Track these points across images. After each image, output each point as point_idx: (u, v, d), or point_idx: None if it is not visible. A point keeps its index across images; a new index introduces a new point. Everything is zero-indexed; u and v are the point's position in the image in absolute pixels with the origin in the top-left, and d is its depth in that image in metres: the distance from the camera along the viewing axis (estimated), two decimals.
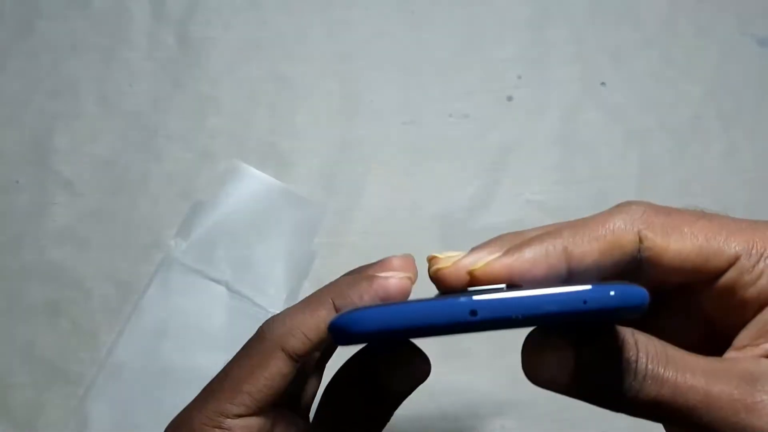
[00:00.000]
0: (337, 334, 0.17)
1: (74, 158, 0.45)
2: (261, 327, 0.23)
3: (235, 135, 0.45)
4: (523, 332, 0.20)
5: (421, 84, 0.47)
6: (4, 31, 0.47)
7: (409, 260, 0.24)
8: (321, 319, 0.22)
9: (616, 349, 0.18)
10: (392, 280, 0.22)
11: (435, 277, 0.21)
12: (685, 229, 0.20)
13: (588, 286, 0.16)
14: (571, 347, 0.19)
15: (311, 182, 0.45)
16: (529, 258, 0.20)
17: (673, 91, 0.47)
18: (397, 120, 0.46)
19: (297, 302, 0.23)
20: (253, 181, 0.44)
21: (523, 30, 0.48)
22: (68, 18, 0.47)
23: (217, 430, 0.22)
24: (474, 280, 0.20)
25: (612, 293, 0.16)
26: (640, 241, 0.20)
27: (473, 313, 0.16)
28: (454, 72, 0.47)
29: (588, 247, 0.20)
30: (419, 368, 0.21)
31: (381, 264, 0.24)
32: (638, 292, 0.16)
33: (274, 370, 0.22)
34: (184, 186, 0.44)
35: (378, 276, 0.23)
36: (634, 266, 0.21)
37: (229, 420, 0.22)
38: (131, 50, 0.47)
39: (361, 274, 0.24)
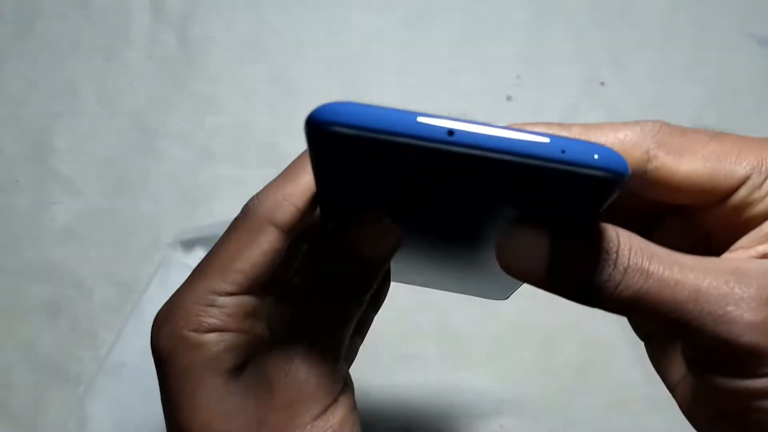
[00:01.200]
0: (313, 126, 0.16)
1: (74, 158, 0.45)
2: (246, 204, 0.22)
3: (235, 135, 0.45)
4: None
5: (420, 83, 0.47)
6: (4, 31, 0.47)
7: None
8: (306, 185, 0.21)
9: (596, 240, 0.18)
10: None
11: None
12: (698, 150, 0.20)
13: (571, 138, 0.15)
14: (548, 235, 0.18)
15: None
16: None
17: (673, 91, 0.47)
18: None
19: (277, 175, 0.23)
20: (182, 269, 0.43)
21: (522, 29, 0.48)
22: (68, 17, 0.47)
23: (209, 308, 0.21)
24: None
25: (595, 155, 0.15)
26: (649, 160, 0.20)
27: (450, 133, 0.15)
28: (453, 71, 0.47)
29: None
30: (390, 231, 0.20)
31: None
32: (620, 160, 0.15)
33: (266, 246, 0.21)
34: (184, 185, 0.44)
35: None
36: (640, 181, 0.20)
37: (221, 298, 0.21)
38: (131, 50, 0.47)
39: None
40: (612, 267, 0.18)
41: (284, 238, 0.22)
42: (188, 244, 0.43)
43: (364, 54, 0.47)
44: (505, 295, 0.29)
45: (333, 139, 0.16)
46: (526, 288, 0.47)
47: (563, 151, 0.15)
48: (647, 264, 0.18)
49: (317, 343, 0.21)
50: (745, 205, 0.20)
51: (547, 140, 0.15)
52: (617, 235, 0.18)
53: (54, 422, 0.40)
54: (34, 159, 0.45)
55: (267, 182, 0.22)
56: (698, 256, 0.19)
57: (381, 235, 0.20)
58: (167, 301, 0.22)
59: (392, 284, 0.27)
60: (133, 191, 0.44)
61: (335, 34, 0.48)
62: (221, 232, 0.23)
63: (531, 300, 0.43)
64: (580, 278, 0.18)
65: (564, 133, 0.20)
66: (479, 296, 0.32)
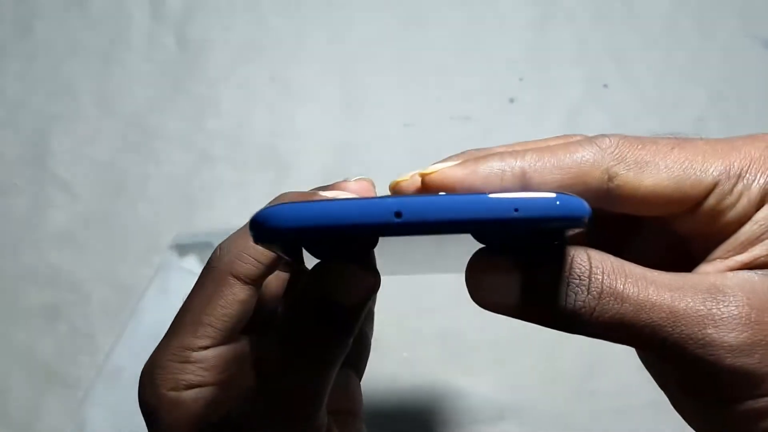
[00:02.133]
0: (256, 230, 0.16)
1: (73, 160, 0.44)
2: (210, 256, 0.22)
3: (235, 137, 0.45)
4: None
5: (421, 85, 0.47)
6: (2, 32, 0.47)
7: (364, 184, 0.23)
8: None
9: (565, 267, 0.17)
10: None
11: (392, 190, 0.20)
12: (660, 162, 0.19)
13: (521, 194, 0.15)
14: (517, 267, 0.18)
15: (311, 184, 0.44)
16: (484, 173, 0.19)
17: (676, 93, 0.47)
18: (397, 122, 0.46)
19: (242, 225, 0.22)
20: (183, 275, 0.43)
21: (525, 31, 0.48)
22: (67, 19, 0.47)
23: (185, 365, 0.21)
24: (425, 186, 0.19)
25: (556, 202, 0.15)
26: (610, 178, 0.19)
27: (398, 214, 0.15)
28: (455, 73, 0.47)
29: (549, 177, 0.19)
30: (363, 279, 0.19)
31: (334, 185, 0.23)
32: (577, 204, 0.15)
33: (230, 298, 0.21)
34: (183, 188, 0.44)
35: (319, 194, 0.22)
36: (604, 198, 0.19)
37: (195, 353, 0.21)
38: (130, 52, 0.46)
39: (307, 192, 0.23)
40: (585, 293, 0.17)
41: (249, 289, 0.22)
42: (186, 249, 0.43)
43: (364, 55, 0.47)
44: None
45: (278, 236, 0.16)
46: None
47: (516, 209, 0.15)
48: (621, 286, 0.17)
49: (296, 397, 0.20)
50: (717, 212, 0.19)
51: (498, 202, 0.15)
52: (588, 258, 0.18)
53: (52, 427, 0.40)
54: (33, 162, 0.44)
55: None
56: (675, 274, 0.18)
57: (353, 284, 0.19)
58: (149, 358, 0.22)
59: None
60: (132, 194, 0.44)
61: (335, 35, 0.47)
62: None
63: None
64: (554, 307, 0.18)
65: (518, 163, 0.19)
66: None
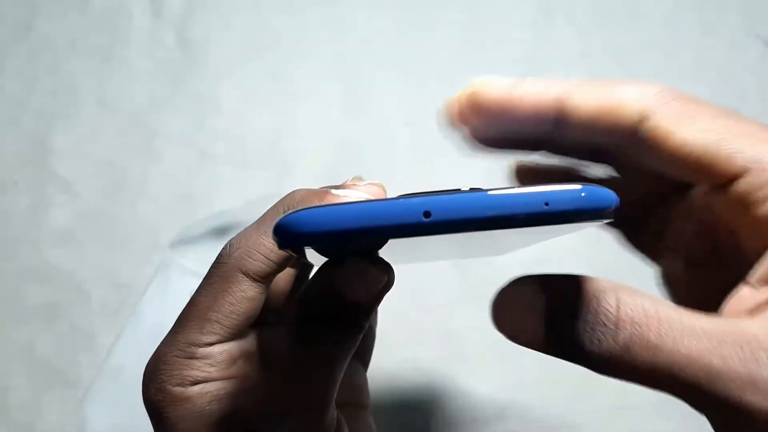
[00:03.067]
0: (281, 236, 0.16)
1: (73, 159, 0.44)
2: (220, 252, 0.22)
3: (235, 136, 0.45)
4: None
5: (423, 84, 0.47)
6: (2, 31, 0.47)
7: (374, 188, 0.23)
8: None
9: (590, 309, 0.17)
10: (346, 198, 0.21)
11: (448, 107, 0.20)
12: (699, 121, 0.18)
13: (551, 187, 0.15)
14: (543, 296, 0.17)
15: (312, 183, 0.44)
16: (524, 90, 0.19)
17: None
18: (398, 120, 0.46)
19: (253, 221, 0.22)
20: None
21: (526, 30, 0.48)
22: (67, 17, 0.47)
23: (191, 360, 0.21)
24: (473, 104, 0.20)
25: (581, 193, 0.15)
26: (643, 120, 0.18)
27: (426, 214, 0.15)
28: (457, 72, 0.47)
29: (584, 103, 0.18)
30: (376, 276, 0.19)
31: (344, 185, 0.23)
32: (607, 195, 0.15)
33: (238, 295, 0.21)
34: (184, 187, 0.44)
35: (332, 193, 0.22)
36: (631, 140, 0.19)
37: (201, 349, 0.21)
38: (131, 50, 0.46)
39: (318, 190, 0.22)
40: (612, 342, 0.16)
41: (258, 286, 0.21)
42: (187, 248, 0.43)
43: (365, 54, 0.47)
44: (501, 253, 0.29)
45: (303, 241, 0.16)
46: None
47: (546, 204, 0.15)
48: (654, 337, 0.16)
49: (306, 393, 0.20)
50: (747, 202, 0.18)
51: (528, 197, 0.15)
52: (617, 302, 0.17)
53: (52, 426, 0.40)
54: (33, 160, 0.44)
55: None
56: (712, 318, 0.17)
57: (366, 282, 0.19)
58: (153, 354, 0.22)
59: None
60: (132, 193, 0.44)
61: (336, 34, 0.47)
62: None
63: None
64: (579, 348, 0.17)
65: (560, 86, 0.19)
66: (474, 257, 0.32)
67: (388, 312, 0.39)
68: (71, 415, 0.40)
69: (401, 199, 0.15)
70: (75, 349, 0.41)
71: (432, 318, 0.42)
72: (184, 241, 0.43)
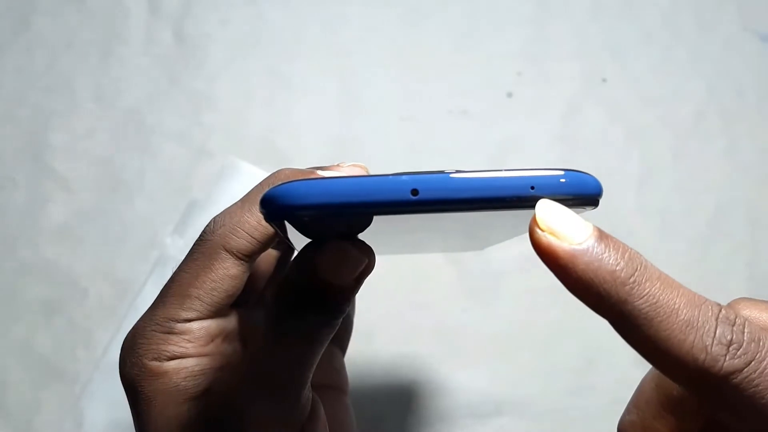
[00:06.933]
0: (268, 208, 0.16)
1: (70, 155, 0.44)
2: (204, 229, 0.22)
3: (232, 132, 0.45)
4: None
5: (419, 80, 0.47)
6: None
7: (358, 168, 0.23)
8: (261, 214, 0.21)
9: None
10: (335, 175, 0.21)
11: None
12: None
13: (538, 172, 0.16)
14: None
15: None
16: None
17: (675, 87, 0.47)
18: (395, 116, 0.46)
19: (237, 200, 0.22)
20: (248, 178, 0.44)
21: (523, 25, 0.48)
22: (64, 14, 0.47)
23: (169, 335, 0.21)
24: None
25: (566, 178, 0.15)
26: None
27: (414, 192, 0.15)
28: (453, 68, 0.47)
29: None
30: (357, 258, 0.19)
31: (329, 167, 0.23)
32: (592, 181, 0.16)
33: (220, 272, 0.21)
34: (181, 183, 0.44)
35: (318, 173, 0.22)
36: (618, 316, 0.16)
37: (180, 324, 0.21)
38: (127, 46, 0.46)
39: (304, 170, 0.22)
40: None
41: (240, 264, 0.21)
42: (184, 242, 0.43)
43: (362, 49, 0.47)
44: (482, 247, 0.29)
45: (291, 213, 0.16)
46: (525, 286, 0.47)
47: (532, 187, 0.15)
48: None
49: (283, 372, 0.20)
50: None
51: (515, 180, 0.15)
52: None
53: (50, 422, 0.40)
54: (30, 157, 0.44)
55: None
56: None
57: (347, 264, 0.19)
58: (132, 329, 0.22)
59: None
60: (129, 189, 0.44)
61: (333, 29, 0.47)
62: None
63: (531, 299, 0.42)
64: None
65: None
66: (457, 251, 0.32)
67: (384, 307, 0.39)
68: (69, 410, 0.40)
69: (390, 176, 0.15)
70: (72, 345, 0.41)
71: (427, 313, 0.42)
72: (180, 236, 0.43)
